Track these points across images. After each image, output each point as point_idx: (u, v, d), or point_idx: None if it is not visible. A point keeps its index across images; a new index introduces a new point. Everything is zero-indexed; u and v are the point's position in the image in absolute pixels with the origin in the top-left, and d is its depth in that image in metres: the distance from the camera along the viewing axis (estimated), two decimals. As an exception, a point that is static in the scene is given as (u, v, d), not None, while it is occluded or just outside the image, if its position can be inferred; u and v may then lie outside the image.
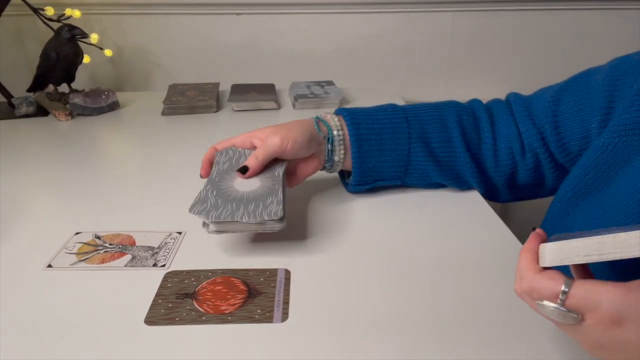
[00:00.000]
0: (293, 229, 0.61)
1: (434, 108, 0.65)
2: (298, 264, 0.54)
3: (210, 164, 0.61)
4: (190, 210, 0.53)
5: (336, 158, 0.63)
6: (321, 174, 0.69)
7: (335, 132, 0.62)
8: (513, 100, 0.66)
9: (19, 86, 1.09)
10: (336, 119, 0.63)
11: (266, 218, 0.51)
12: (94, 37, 1.08)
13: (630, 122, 0.48)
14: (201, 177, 0.61)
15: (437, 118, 0.64)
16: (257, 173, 0.58)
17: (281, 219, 0.52)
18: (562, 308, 0.33)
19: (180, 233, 0.60)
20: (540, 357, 0.41)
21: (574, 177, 0.54)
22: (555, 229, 0.57)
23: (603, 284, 0.32)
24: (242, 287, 0.50)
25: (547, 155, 0.61)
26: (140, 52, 1.26)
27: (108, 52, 1.13)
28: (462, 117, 0.64)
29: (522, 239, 0.44)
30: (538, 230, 0.38)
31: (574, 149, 0.58)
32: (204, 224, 0.54)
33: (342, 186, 0.71)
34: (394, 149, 0.62)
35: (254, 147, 0.61)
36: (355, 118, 0.63)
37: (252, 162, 0.58)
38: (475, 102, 0.68)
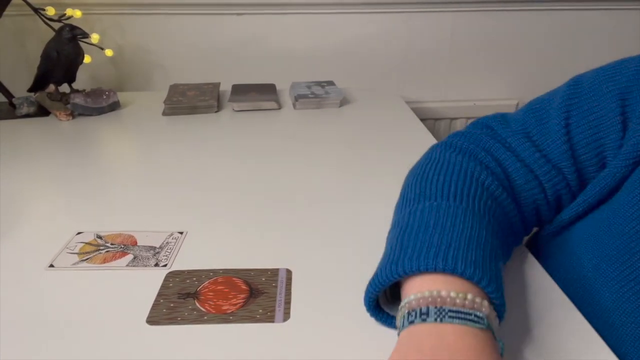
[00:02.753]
0: (294, 228, 0.61)
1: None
2: (299, 264, 0.54)
3: None
4: None
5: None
6: (317, 177, 0.69)
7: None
8: (512, 139, 0.54)
9: (19, 86, 1.09)
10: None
11: None
12: (94, 37, 1.08)
13: (637, 149, 0.45)
14: None
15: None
16: None
17: None
18: None
19: (181, 233, 0.60)
20: None
21: (576, 203, 0.52)
22: (550, 245, 0.56)
23: None
24: (244, 286, 0.50)
25: (567, 190, 0.54)
26: (141, 52, 1.26)
27: (109, 52, 1.13)
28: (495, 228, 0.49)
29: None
30: None
31: (591, 176, 0.53)
32: None
33: (340, 186, 0.71)
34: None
35: None
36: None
37: None
38: (478, 175, 0.52)
